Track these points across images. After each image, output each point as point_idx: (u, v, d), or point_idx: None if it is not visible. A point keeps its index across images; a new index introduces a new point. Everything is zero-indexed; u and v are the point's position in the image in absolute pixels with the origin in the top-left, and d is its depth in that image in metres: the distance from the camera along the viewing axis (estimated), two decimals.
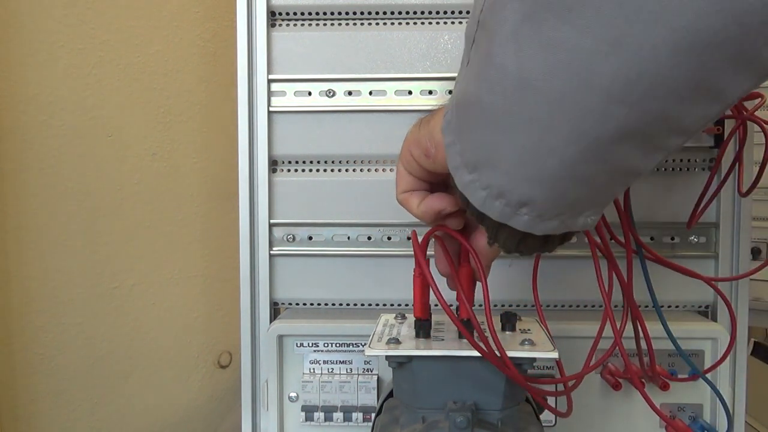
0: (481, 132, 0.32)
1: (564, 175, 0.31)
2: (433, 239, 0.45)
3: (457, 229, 0.43)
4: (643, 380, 0.56)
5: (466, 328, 0.42)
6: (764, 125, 0.55)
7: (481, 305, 0.43)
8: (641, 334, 0.51)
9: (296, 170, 0.65)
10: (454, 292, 0.45)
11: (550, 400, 0.50)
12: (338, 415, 0.60)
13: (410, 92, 0.63)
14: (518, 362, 0.42)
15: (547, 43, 0.28)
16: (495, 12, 0.30)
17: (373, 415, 0.53)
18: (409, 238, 0.63)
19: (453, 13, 0.63)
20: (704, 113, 0.29)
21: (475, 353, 0.42)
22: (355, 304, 0.65)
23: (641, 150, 0.30)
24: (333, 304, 0.65)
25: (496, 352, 0.41)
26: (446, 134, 0.35)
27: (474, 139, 0.33)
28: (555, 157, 0.30)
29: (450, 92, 0.62)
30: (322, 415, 0.60)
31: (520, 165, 0.31)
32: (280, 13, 0.64)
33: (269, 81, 0.63)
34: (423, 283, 0.45)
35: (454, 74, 0.62)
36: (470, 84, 0.32)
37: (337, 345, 0.61)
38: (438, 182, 0.42)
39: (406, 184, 0.42)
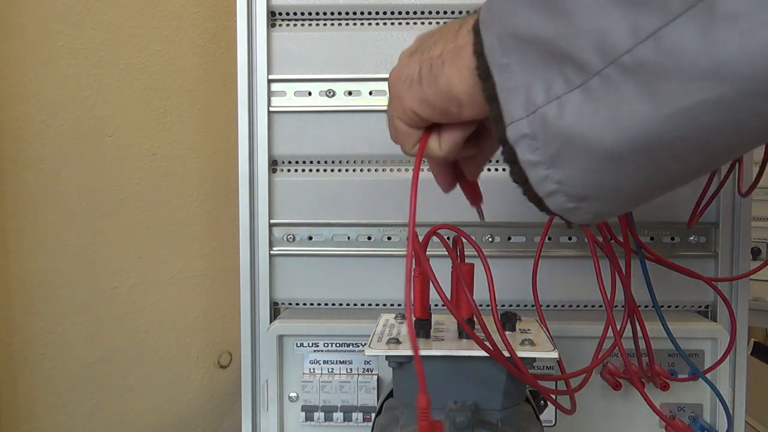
0: (599, 174, 0.29)
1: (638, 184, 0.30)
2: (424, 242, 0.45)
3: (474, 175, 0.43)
4: (642, 380, 0.56)
5: (469, 327, 0.42)
6: None
7: (485, 305, 0.43)
8: (640, 334, 0.51)
9: (296, 170, 0.65)
10: (455, 293, 0.45)
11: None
12: (338, 415, 0.60)
13: None
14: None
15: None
16: (659, 77, 0.25)
17: (373, 415, 0.53)
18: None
19: (453, 13, 0.63)
20: None
21: (475, 353, 0.42)
22: (355, 304, 0.65)
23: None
24: (333, 304, 0.65)
25: (503, 352, 0.41)
26: (521, 143, 0.31)
27: (585, 177, 0.30)
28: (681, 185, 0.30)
29: None
30: (322, 415, 0.60)
31: (638, 200, 0.31)
32: (280, 13, 0.64)
33: (269, 81, 0.63)
34: (423, 283, 0.45)
35: None
36: (593, 124, 0.28)
37: (337, 345, 0.61)
38: None
39: (414, 139, 0.39)
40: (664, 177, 0.29)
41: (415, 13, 0.63)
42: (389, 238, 0.64)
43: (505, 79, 0.30)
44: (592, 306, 0.64)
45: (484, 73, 0.32)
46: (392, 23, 0.63)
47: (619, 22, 0.25)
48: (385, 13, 0.63)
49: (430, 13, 0.63)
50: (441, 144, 0.38)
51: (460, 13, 0.63)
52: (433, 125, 0.38)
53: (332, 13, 0.63)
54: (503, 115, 0.31)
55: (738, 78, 0.23)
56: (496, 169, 0.63)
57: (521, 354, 0.42)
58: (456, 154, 0.39)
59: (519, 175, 0.32)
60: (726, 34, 0.22)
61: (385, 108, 0.63)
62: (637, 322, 0.51)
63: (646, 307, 0.57)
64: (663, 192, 0.31)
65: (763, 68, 0.22)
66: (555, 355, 0.43)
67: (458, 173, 0.44)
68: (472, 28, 0.33)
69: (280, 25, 0.64)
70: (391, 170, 0.64)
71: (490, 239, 0.63)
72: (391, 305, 0.64)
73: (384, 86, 0.63)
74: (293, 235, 0.65)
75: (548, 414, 0.60)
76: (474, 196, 0.45)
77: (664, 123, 0.25)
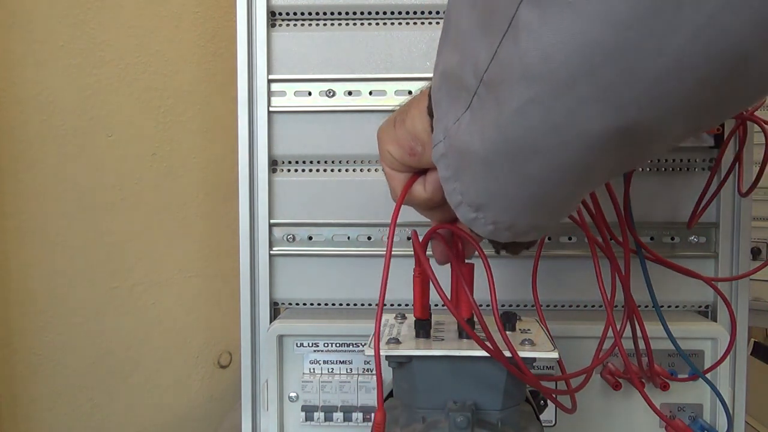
0: (483, 181, 0.33)
1: (569, 201, 0.34)
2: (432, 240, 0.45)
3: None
4: (642, 380, 0.56)
5: (470, 327, 0.42)
6: (764, 125, 0.55)
7: (485, 305, 0.43)
8: (640, 334, 0.51)
9: (296, 170, 0.65)
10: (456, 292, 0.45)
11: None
12: (338, 415, 0.60)
13: (410, 92, 0.63)
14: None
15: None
16: (501, 86, 0.29)
17: (373, 415, 0.53)
18: (409, 238, 0.63)
19: None
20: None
21: (475, 353, 0.42)
22: (355, 304, 0.65)
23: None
24: (333, 304, 0.65)
25: (504, 352, 0.41)
26: (440, 162, 0.35)
27: (476, 185, 0.34)
28: (561, 192, 0.32)
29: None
30: (322, 415, 0.60)
31: (527, 207, 0.34)
32: (280, 13, 0.64)
33: (269, 81, 0.63)
34: (423, 283, 0.45)
35: None
36: (473, 137, 0.32)
37: (337, 345, 0.61)
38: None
39: (400, 180, 0.42)
40: (533, 181, 0.31)
41: (415, 13, 0.63)
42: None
43: (437, 111, 0.35)
44: (592, 306, 0.64)
45: (429, 110, 0.37)
46: (392, 23, 0.63)
47: (482, 46, 0.29)
48: (385, 13, 0.63)
49: (430, 13, 0.63)
50: (426, 185, 0.41)
51: None
52: (421, 171, 0.41)
53: (332, 13, 0.63)
54: (432, 141, 0.36)
55: (539, 77, 0.27)
56: None
57: (521, 354, 0.42)
58: (441, 196, 0.40)
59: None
60: (526, 43, 0.27)
61: (384, 108, 0.64)
62: (636, 323, 0.51)
63: (646, 307, 0.57)
64: (553, 201, 0.33)
65: (554, 66, 0.26)
66: (555, 355, 0.43)
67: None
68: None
69: (280, 25, 0.64)
70: None
71: None
72: (391, 305, 0.64)
73: (384, 86, 0.63)
74: (293, 235, 0.65)
75: (548, 414, 0.60)
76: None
77: (507, 124, 0.29)
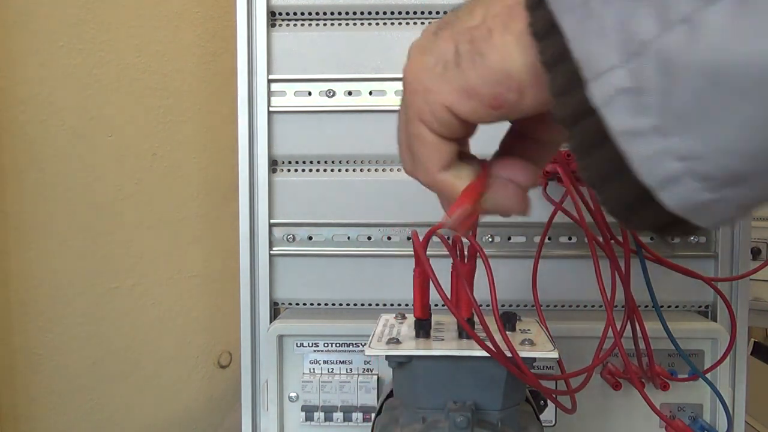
0: (762, 121, 0.19)
1: None
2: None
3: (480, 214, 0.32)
4: (642, 380, 0.56)
5: (470, 327, 0.42)
6: None
7: (485, 305, 0.43)
8: (640, 334, 0.51)
9: (296, 170, 0.65)
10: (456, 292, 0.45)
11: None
12: (338, 415, 0.60)
13: None
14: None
15: None
16: None
17: (373, 415, 0.53)
18: (409, 238, 0.63)
19: None
20: None
21: (475, 353, 0.42)
22: (355, 304, 0.65)
23: None
24: (333, 304, 0.65)
25: (505, 352, 0.41)
26: (620, 103, 0.21)
27: (743, 136, 0.19)
28: None
29: None
30: (322, 415, 0.60)
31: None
32: (280, 13, 0.64)
33: (269, 81, 0.63)
34: (423, 283, 0.45)
35: None
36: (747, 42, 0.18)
37: (337, 345, 0.61)
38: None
39: (444, 156, 0.29)
40: None
41: (415, 13, 0.63)
42: (389, 238, 0.64)
43: (581, 21, 0.21)
44: (592, 306, 0.64)
45: (542, 29, 0.23)
46: (392, 23, 0.63)
47: None
48: (385, 13, 0.63)
49: (430, 13, 0.63)
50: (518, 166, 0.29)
51: None
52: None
53: (332, 13, 0.63)
54: (582, 70, 0.21)
55: None
56: None
57: (521, 354, 0.42)
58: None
59: (602, 166, 0.22)
60: None
61: (384, 108, 0.64)
62: (636, 323, 0.51)
63: (646, 307, 0.57)
64: None
65: None
66: (555, 355, 0.43)
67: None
68: None
69: (280, 25, 0.64)
70: (391, 170, 0.64)
71: (490, 239, 0.63)
72: (391, 305, 0.64)
73: (384, 86, 0.63)
74: (293, 235, 0.65)
75: (548, 414, 0.60)
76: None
77: None
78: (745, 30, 0.18)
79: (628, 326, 0.50)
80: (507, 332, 0.47)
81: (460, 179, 0.30)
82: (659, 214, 0.22)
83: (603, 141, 0.22)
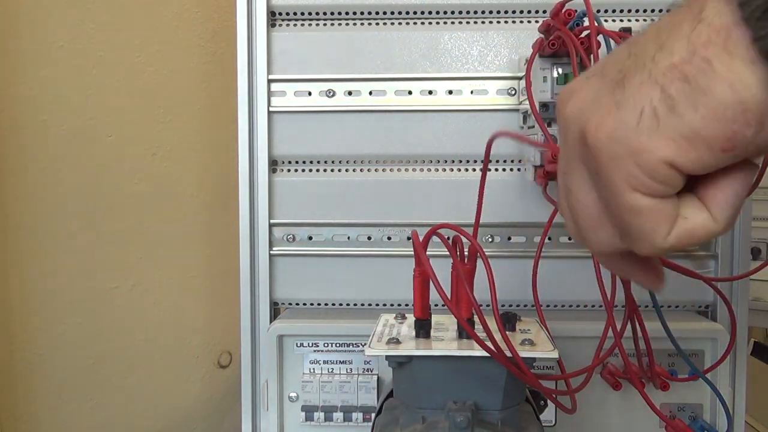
0: None
1: None
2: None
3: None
4: (643, 380, 0.56)
5: (470, 327, 0.42)
6: None
7: (485, 305, 0.43)
8: (640, 334, 0.51)
9: (296, 170, 0.65)
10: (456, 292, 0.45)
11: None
12: (338, 415, 0.60)
13: (410, 92, 0.63)
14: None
15: None
16: None
17: (373, 415, 0.53)
18: (409, 238, 0.63)
19: (453, 13, 0.63)
20: None
21: (475, 353, 0.42)
22: (355, 304, 0.65)
23: None
24: (333, 304, 0.65)
25: (505, 353, 0.41)
26: None
27: None
28: None
29: (450, 92, 0.62)
30: (322, 415, 0.60)
31: None
32: (280, 13, 0.64)
33: (269, 81, 0.63)
34: (423, 283, 0.45)
35: (454, 74, 0.62)
36: None
37: (337, 345, 0.61)
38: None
39: (672, 217, 0.24)
40: None
41: (415, 13, 0.63)
42: (389, 238, 0.64)
43: None
44: (592, 306, 0.64)
45: (763, 46, 0.21)
46: (392, 23, 0.63)
47: None
48: (385, 13, 0.63)
49: (430, 13, 0.63)
50: (714, 209, 0.24)
51: (460, 13, 0.63)
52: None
53: (332, 13, 0.63)
54: None
55: None
56: (495, 169, 0.63)
57: (521, 354, 0.42)
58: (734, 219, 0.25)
59: None
60: None
61: (384, 108, 0.64)
62: (637, 323, 0.51)
63: (646, 307, 0.57)
64: None
65: None
66: (555, 355, 0.43)
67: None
68: (724, 2, 0.22)
69: (280, 25, 0.64)
70: (391, 170, 0.64)
71: (490, 239, 0.63)
72: (391, 305, 0.64)
73: (384, 86, 0.63)
74: (293, 235, 0.65)
75: (548, 414, 0.60)
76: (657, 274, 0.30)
77: None
78: None
79: (628, 326, 0.50)
80: (507, 332, 0.47)
81: (688, 220, 0.24)
82: None
83: None
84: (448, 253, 0.44)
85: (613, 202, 0.24)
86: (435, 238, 0.45)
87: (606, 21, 0.62)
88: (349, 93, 0.63)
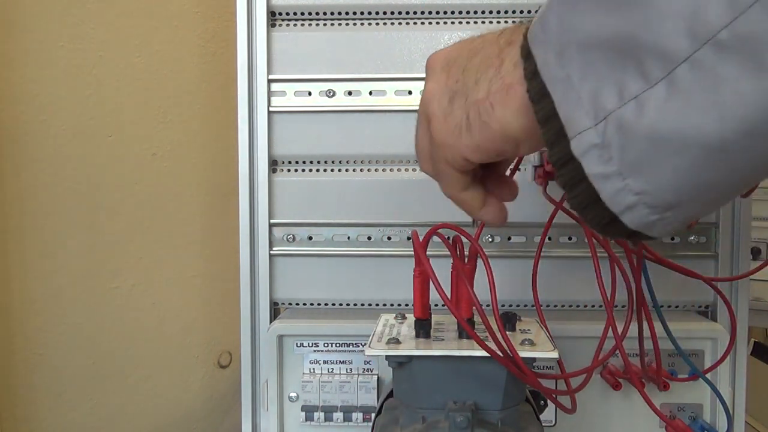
0: (693, 173, 0.27)
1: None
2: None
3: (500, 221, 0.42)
4: (643, 380, 0.56)
5: (470, 327, 0.42)
6: None
7: (485, 305, 0.43)
8: (645, 334, 0.51)
9: (296, 170, 0.65)
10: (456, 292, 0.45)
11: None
12: (338, 415, 0.60)
13: (410, 92, 0.63)
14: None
15: None
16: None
17: (373, 415, 0.53)
18: (409, 238, 0.63)
19: (453, 13, 0.63)
20: None
21: (475, 353, 0.42)
22: (355, 304, 0.65)
23: None
24: (333, 304, 0.65)
25: (506, 353, 0.41)
26: (590, 155, 0.28)
27: (677, 180, 0.27)
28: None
29: None
30: (322, 415, 0.60)
31: (725, 197, 0.29)
32: (280, 13, 0.64)
33: (269, 81, 0.63)
34: (423, 283, 0.45)
35: None
36: (690, 118, 0.25)
37: (337, 345, 0.61)
38: None
39: (463, 183, 0.39)
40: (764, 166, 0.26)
41: (414, 13, 0.63)
42: (389, 238, 0.64)
43: (566, 92, 0.28)
44: (593, 306, 0.64)
45: (537, 94, 0.30)
46: (392, 23, 0.63)
47: None
48: (384, 13, 0.63)
49: (429, 13, 0.63)
50: (487, 206, 0.40)
51: (460, 13, 0.63)
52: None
53: (332, 13, 0.63)
54: (566, 129, 0.29)
55: None
56: None
57: (521, 354, 0.42)
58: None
59: (583, 197, 0.30)
60: None
61: (384, 108, 0.64)
62: (645, 322, 0.51)
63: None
64: (749, 185, 0.29)
65: None
66: (555, 355, 0.43)
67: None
68: (520, 56, 0.32)
69: (280, 25, 0.64)
70: (391, 170, 0.64)
71: (490, 239, 0.63)
72: (391, 305, 0.64)
73: (384, 86, 0.63)
74: (293, 235, 0.65)
75: (548, 414, 0.60)
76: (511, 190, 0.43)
77: None
78: (671, 110, 0.25)
79: (633, 326, 0.50)
80: (507, 332, 0.47)
81: (474, 198, 0.40)
82: (625, 229, 0.30)
83: (582, 180, 0.29)
84: (448, 253, 0.44)
85: (435, 158, 0.39)
86: (435, 238, 0.45)
87: None
88: (349, 93, 0.63)
